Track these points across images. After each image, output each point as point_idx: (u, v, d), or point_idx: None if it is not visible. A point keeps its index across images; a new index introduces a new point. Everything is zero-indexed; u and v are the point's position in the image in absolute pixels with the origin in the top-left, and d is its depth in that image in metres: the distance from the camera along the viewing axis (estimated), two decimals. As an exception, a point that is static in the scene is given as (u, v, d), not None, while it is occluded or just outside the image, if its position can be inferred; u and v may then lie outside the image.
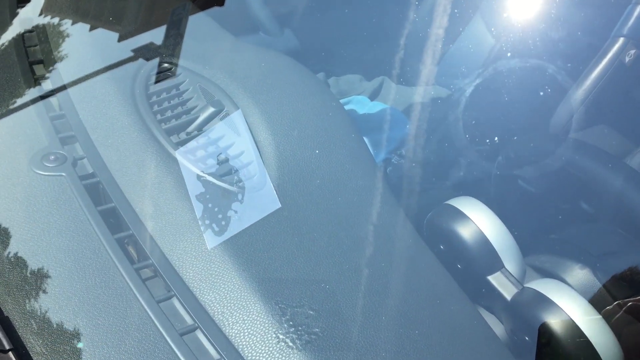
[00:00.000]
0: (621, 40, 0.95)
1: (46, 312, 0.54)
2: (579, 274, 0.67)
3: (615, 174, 0.82)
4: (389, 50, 1.27)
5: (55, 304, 0.54)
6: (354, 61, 1.37)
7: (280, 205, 0.62)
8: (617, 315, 0.62)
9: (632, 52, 0.96)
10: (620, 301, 0.63)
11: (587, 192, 0.80)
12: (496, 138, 0.90)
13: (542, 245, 0.73)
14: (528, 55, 0.99)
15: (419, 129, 1.04)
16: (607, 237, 0.74)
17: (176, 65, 0.82)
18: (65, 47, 0.87)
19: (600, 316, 0.58)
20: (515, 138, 0.89)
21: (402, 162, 1.08)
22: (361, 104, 1.27)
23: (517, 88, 0.99)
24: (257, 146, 0.69)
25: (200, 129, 0.73)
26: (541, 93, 0.97)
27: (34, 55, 0.86)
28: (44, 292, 0.55)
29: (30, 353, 0.51)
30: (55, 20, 0.93)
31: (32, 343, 0.51)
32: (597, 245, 0.70)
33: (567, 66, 0.98)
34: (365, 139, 1.05)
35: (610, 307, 0.63)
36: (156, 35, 0.88)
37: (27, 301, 0.55)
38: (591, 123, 0.98)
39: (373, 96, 1.32)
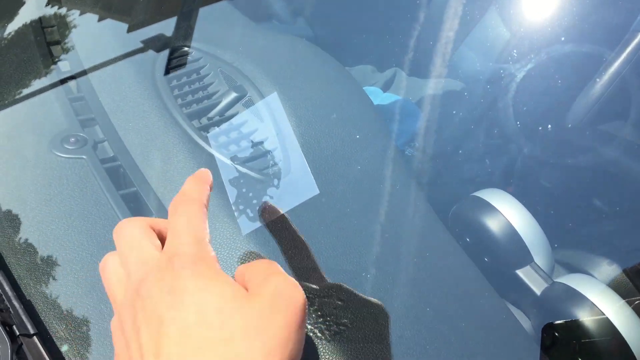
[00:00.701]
0: None
1: (69, 297, 0.52)
2: (608, 270, 0.65)
3: None
4: (401, 42, 1.25)
5: (78, 289, 0.53)
6: (367, 52, 1.35)
7: (313, 180, 0.61)
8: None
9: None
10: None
11: (615, 185, 0.79)
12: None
13: (568, 239, 0.72)
14: (543, 50, 0.97)
15: (433, 121, 1.03)
16: (636, 232, 0.72)
17: (196, 49, 0.80)
18: (83, 28, 0.85)
19: (633, 312, 0.57)
20: (540, 129, 0.88)
21: (416, 154, 1.07)
22: (374, 95, 1.26)
23: (538, 79, 0.97)
24: (281, 133, 0.67)
25: (222, 115, 0.71)
26: (559, 85, 0.96)
27: (51, 36, 0.84)
28: (66, 276, 0.54)
29: (54, 338, 0.49)
30: None
31: (56, 328, 0.50)
32: (626, 241, 0.68)
33: (585, 61, 0.96)
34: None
35: (640, 303, 0.62)
36: (176, 19, 0.86)
37: (49, 285, 0.53)
38: (608, 118, 0.96)
39: (386, 87, 1.30)
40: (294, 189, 0.56)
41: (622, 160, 0.75)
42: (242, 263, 0.53)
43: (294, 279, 0.36)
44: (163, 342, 0.32)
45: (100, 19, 0.87)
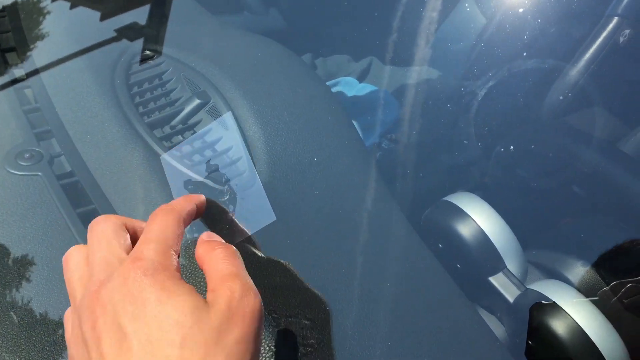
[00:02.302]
0: (615, 19, 0.92)
1: (24, 326, 0.50)
2: (581, 272, 0.65)
3: (611, 162, 0.80)
4: (377, 30, 1.23)
5: (31, 320, 0.51)
6: (342, 41, 1.33)
7: (270, 207, 0.59)
8: (621, 314, 0.60)
9: (627, 32, 0.93)
10: (624, 299, 0.62)
11: (584, 183, 0.78)
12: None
13: (541, 240, 0.71)
14: (521, 36, 0.96)
15: (410, 111, 1.01)
16: (608, 231, 0.71)
17: (158, 52, 0.77)
18: (40, 33, 0.82)
19: (605, 318, 0.56)
20: (515, 125, 0.87)
21: (393, 147, 1.05)
22: (349, 86, 1.24)
23: (510, 71, 0.96)
24: (246, 141, 0.65)
25: (185, 123, 0.69)
26: (533, 76, 0.95)
27: (6, 43, 0.81)
28: (22, 304, 0.52)
29: (7, 373, 0.47)
30: (28, 3, 0.87)
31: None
32: (599, 241, 0.67)
33: (560, 47, 0.95)
34: (355, 123, 1.02)
35: (614, 304, 0.61)
36: (137, 20, 0.83)
37: (2, 314, 0.51)
38: (585, 105, 0.95)
39: (362, 77, 1.28)
40: (251, 213, 0.54)
41: (594, 159, 0.74)
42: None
43: (248, 280, 0.37)
44: (126, 356, 0.32)
45: (57, 20, 0.83)
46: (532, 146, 0.80)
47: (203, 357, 0.32)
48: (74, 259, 0.40)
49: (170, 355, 0.32)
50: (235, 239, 0.53)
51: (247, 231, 0.53)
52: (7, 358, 0.48)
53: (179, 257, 0.38)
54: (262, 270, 0.54)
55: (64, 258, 0.40)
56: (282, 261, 0.56)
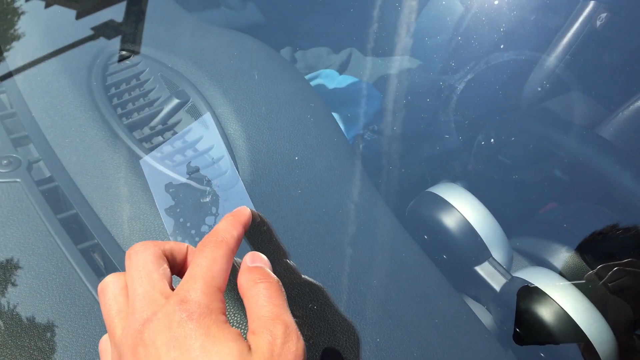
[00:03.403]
0: (592, 4, 0.92)
1: (8, 336, 0.49)
2: (565, 257, 0.65)
3: (591, 148, 0.81)
4: (355, 21, 1.22)
5: (18, 327, 0.50)
6: (321, 33, 1.32)
7: (252, 205, 0.59)
8: (606, 298, 0.61)
9: (603, 15, 0.94)
10: (608, 283, 0.62)
11: (565, 169, 0.79)
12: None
13: (525, 228, 0.71)
14: (498, 23, 0.96)
15: (392, 102, 1.01)
16: (590, 215, 0.72)
17: (135, 52, 0.76)
18: (14, 35, 0.80)
19: (591, 302, 0.56)
20: (494, 116, 0.87)
21: (376, 138, 1.05)
22: (330, 78, 1.23)
23: (490, 57, 0.96)
24: (227, 139, 0.65)
25: (164, 123, 0.68)
26: (512, 62, 0.95)
27: (-23, 47, 0.79)
28: (7, 310, 0.51)
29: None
30: (1, 3, 0.85)
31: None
32: (582, 225, 0.68)
33: (538, 32, 0.96)
34: (336, 115, 1.01)
35: (599, 288, 0.62)
36: (113, 18, 0.82)
37: (-15, 326, 0.50)
38: (564, 90, 0.96)
39: (342, 69, 1.28)
40: (230, 202, 0.54)
41: (574, 146, 0.75)
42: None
43: (291, 321, 0.36)
44: None
45: (31, 21, 0.82)
46: (512, 138, 0.81)
47: None
48: (110, 290, 0.38)
49: None
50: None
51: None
52: (-8, 369, 0.48)
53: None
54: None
55: (99, 287, 0.39)
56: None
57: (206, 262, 0.37)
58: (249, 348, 0.34)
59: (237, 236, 0.40)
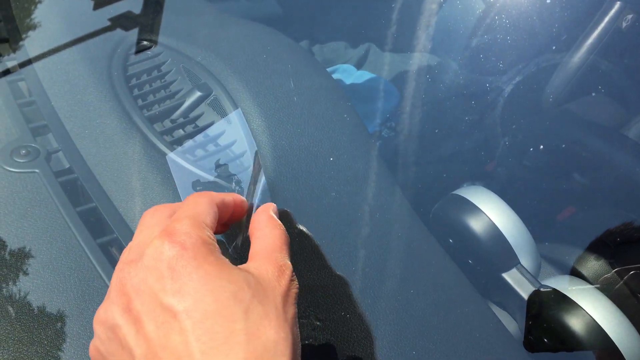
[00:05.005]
0: (618, 4, 0.90)
1: (25, 331, 0.48)
2: (595, 266, 0.63)
3: (619, 150, 0.78)
4: (374, 15, 1.20)
5: (35, 322, 0.49)
6: (339, 27, 1.30)
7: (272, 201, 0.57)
8: (637, 307, 0.59)
9: (629, 17, 0.91)
10: (638, 293, 0.60)
11: (592, 173, 0.76)
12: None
13: (551, 233, 0.69)
14: (521, 22, 0.94)
15: (411, 100, 0.99)
16: (619, 221, 0.70)
17: (156, 42, 0.75)
18: (33, 23, 0.79)
19: (624, 315, 0.55)
20: (518, 119, 0.85)
21: (393, 135, 1.03)
22: (347, 73, 1.22)
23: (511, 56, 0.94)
24: (250, 135, 0.63)
25: (186, 116, 0.66)
26: (535, 62, 0.93)
27: (-3, 33, 0.78)
28: (21, 311, 0.50)
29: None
30: (20, -9, 0.84)
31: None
32: (612, 233, 0.66)
33: (563, 32, 0.93)
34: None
35: (631, 299, 0.60)
36: (134, 8, 0.80)
37: (4, 312, 0.49)
38: (587, 91, 0.94)
39: (359, 64, 1.26)
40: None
41: (603, 149, 0.73)
42: None
43: (289, 264, 0.36)
44: (181, 338, 0.29)
45: (51, 8, 0.80)
46: (535, 140, 0.79)
47: (274, 328, 0.30)
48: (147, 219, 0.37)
49: (235, 330, 0.29)
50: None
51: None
52: (7, 355, 0.47)
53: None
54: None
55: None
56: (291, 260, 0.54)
57: (189, 205, 0.36)
58: (254, 276, 0.33)
59: (223, 197, 0.39)
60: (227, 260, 0.33)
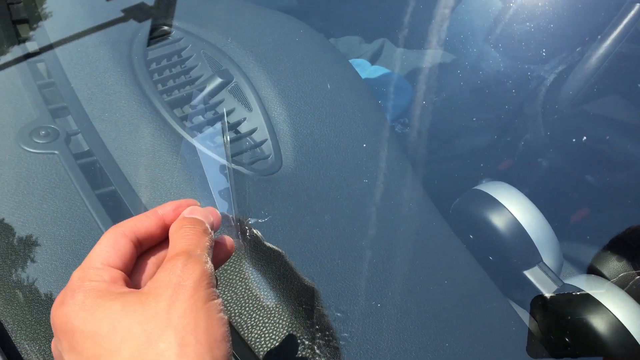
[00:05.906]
0: (637, 6, 0.89)
1: (43, 313, 0.48)
2: (617, 266, 0.62)
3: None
4: (389, 10, 1.19)
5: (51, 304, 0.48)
6: (354, 21, 1.29)
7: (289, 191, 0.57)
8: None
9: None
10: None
11: (617, 173, 0.75)
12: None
13: (573, 232, 0.68)
14: (538, 21, 0.93)
15: (424, 96, 0.98)
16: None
17: (176, 28, 0.74)
18: (53, 4, 0.78)
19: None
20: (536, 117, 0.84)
21: (407, 131, 1.02)
22: (361, 68, 1.21)
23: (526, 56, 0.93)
24: (271, 123, 0.62)
25: (206, 102, 0.66)
26: (551, 62, 0.92)
27: (17, 14, 0.77)
28: (39, 291, 0.49)
29: (26, 362, 0.45)
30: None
31: (27, 349, 0.45)
32: (636, 235, 0.65)
33: (580, 34, 0.92)
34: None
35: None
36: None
37: (19, 302, 0.48)
38: (603, 93, 0.93)
39: (373, 59, 1.25)
40: (273, 187, 0.51)
41: (627, 149, 0.72)
42: None
43: (197, 253, 0.35)
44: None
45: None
46: (553, 139, 0.77)
47: (149, 340, 0.30)
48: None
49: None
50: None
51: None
52: (26, 344, 0.46)
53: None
54: (291, 259, 0.52)
55: None
56: (311, 251, 0.53)
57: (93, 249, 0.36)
58: (140, 292, 0.33)
59: (130, 225, 0.37)
60: (110, 291, 0.33)
